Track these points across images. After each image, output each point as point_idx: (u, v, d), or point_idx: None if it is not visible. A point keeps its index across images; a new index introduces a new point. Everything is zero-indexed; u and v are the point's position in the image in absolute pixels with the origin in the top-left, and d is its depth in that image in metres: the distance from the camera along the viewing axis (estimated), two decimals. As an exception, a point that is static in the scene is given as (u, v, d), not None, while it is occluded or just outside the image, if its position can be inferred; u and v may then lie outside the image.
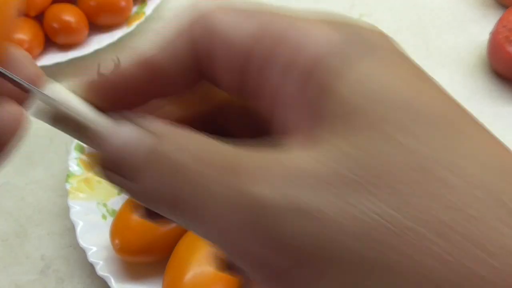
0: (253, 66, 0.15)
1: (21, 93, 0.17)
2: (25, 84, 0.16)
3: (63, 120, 0.16)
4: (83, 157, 0.49)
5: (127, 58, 0.16)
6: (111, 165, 0.15)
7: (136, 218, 0.41)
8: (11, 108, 0.16)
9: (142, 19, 0.63)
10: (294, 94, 0.14)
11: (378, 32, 0.15)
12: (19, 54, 0.16)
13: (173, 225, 0.42)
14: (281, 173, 0.12)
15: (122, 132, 0.15)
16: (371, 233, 0.11)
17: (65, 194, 0.47)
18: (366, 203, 0.11)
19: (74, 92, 0.16)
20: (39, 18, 0.61)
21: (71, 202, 0.45)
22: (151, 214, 0.18)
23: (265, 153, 0.13)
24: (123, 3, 0.62)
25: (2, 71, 0.16)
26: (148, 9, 0.64)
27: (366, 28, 0.15)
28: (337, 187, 0.12)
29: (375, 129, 0.12)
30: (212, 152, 0.13)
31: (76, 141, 0.50)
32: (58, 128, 0.16)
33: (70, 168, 0.48)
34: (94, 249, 0.42)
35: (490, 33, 0.59)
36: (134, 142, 0.14)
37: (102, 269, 0.41)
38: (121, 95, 0.16)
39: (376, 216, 0.11)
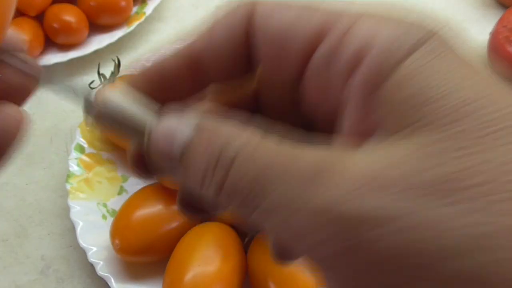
0: (315, 63, 0.15)
1: (19, 94, 0.17)
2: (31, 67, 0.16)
3: (108, 118, 0.16)
4: (83, 157, 0.50)
5: (173, 49, 0.16)
6: (155, 155, 0.15)
7: (136, 218, 0.41)
8: (11, 110, 0.16)
9: (142, 19, 0.63)
10: (356, 94, 0.14)
11: (432, 26, 0.14)
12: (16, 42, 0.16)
13: (173, 225, 0.42)
14: (367, 184, 0.12)
15: (162, 126, 0.15)
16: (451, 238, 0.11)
17: (65, 194, 0.47)
18: (441, 210, 0.11)
19: (122, 87, 0.16)
20: (39, 18, 0.61)
21: (71, 202, 0.45)
22: (188, 208, 0.18)
23: (339, 157, 0.13)
24: (123, 3, 0.62)
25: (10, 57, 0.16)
26: (148, 9, 0.64)
27: (419, 22, 0.14)
28: (416, 195, 0.11)
29: (441, 136, 0.12)
30: (269, 151, 0.13)
31: (76, 141, 0.50)
32: (92, 118, 0.16)
33: (70, 168, 0.48)
34: (94, 249, 0.42)
35: (490, 33, 0.59)
36: (172, 137, 0.14)
37: (102, 269, 0.41)
38: (168, 85, 0.17)
39: (452, 222, 0.11)
